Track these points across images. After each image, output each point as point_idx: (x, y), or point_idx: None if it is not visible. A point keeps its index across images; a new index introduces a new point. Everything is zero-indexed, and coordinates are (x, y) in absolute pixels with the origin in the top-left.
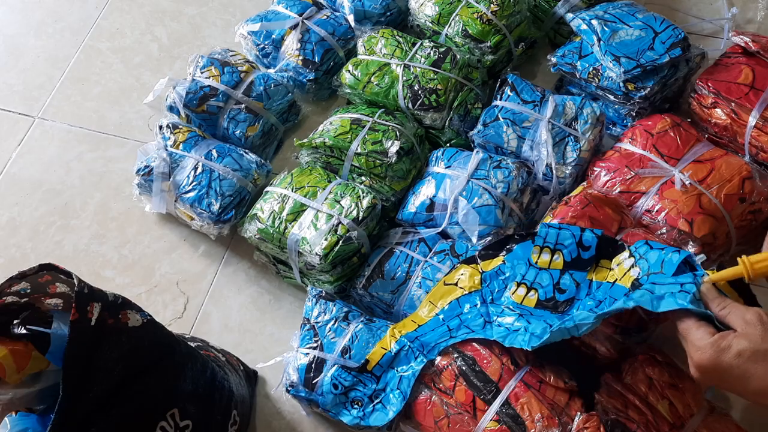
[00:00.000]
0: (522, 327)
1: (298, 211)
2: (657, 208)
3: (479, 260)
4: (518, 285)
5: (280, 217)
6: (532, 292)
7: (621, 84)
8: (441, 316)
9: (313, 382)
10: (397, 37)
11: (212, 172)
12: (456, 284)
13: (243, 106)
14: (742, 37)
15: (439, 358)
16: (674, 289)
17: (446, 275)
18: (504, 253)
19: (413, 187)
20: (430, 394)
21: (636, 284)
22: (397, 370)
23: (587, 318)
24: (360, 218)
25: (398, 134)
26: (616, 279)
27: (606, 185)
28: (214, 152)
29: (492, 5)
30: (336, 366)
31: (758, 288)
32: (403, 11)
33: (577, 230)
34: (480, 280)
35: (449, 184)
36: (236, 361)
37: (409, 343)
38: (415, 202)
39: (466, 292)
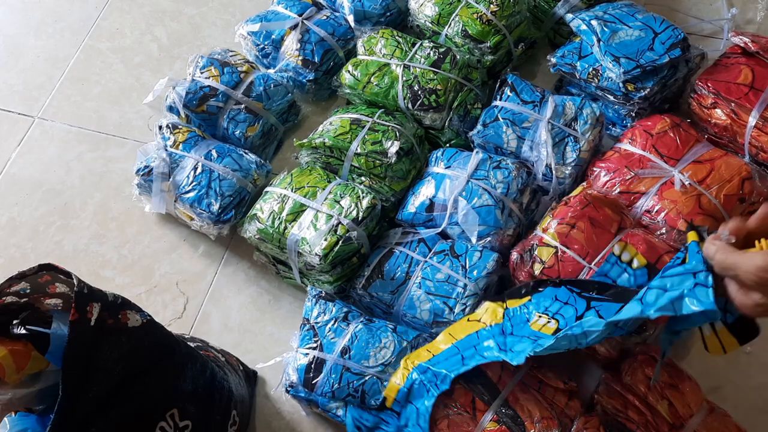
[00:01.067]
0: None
1: (297, 212)
2: (657, 208)
3: (506, 298)
4: (540, 315)
5: (279, 218)
6: (552, 322)
7: (621, 84)
8: (457, 347)
9: (313, 382)
10: (396, 37)
11: (212, 172)
12: (479, 320)
13: (243, 106)
14: (741, 37)
15: None
16: (688, 281)
17: (471, 313)
18: (532, 293)
19: (413, 187)
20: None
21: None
22: (414, 405)
23: (596, 325)
24: (360, 218)
25: (398, 134)
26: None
27: (606, 185)
28: (213, 152)
29: (492, 6)
30: (352, 406)
31: None
32: (402, 11)
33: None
34: (503, 314)
35: (449, 185)
36: (236, 362)
37: (420, 376)
38: (414, 203)
39: (488, 326)
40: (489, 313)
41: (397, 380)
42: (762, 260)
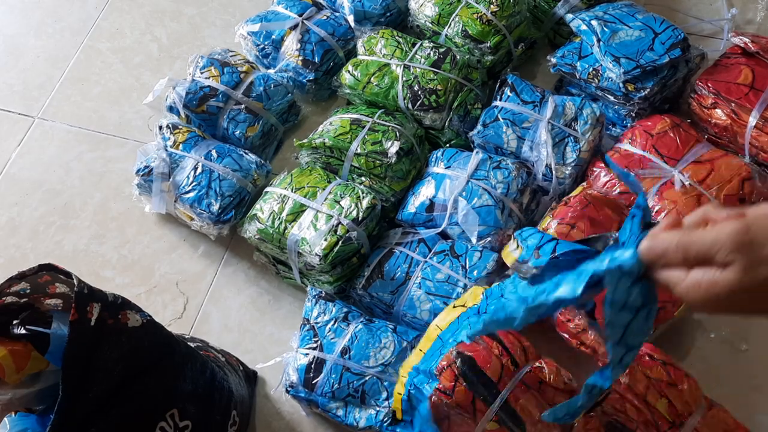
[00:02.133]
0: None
1: (297, 212)
2: (657, 208)
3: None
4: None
5: (279, 218)
6: (517, 250)
7: (621, 84)
8: (441, 338)
9: (313, 382)
10: (396, 37)
11: (212, 172)
12: (464, 305)
13: (243, 106)
14: (741, 37)
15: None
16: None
17: (456, 299)
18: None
19: (413, 187)
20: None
21: None
22: (418, 410)
23: (516, 311)
24: (360, 219)
25: (398, 135)
26: None
27: (606, 186)
28: (213, 152)
29: (492, 6)
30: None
31: None
32: (403, 12)
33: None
34: (482, 293)
35: (449, 185)
36: (236, 362)
37: (414, 380)
38: (414, 203)
39: (468, 308)
40: (472, 295)
41: (399, 390)
42: (735, 225)
